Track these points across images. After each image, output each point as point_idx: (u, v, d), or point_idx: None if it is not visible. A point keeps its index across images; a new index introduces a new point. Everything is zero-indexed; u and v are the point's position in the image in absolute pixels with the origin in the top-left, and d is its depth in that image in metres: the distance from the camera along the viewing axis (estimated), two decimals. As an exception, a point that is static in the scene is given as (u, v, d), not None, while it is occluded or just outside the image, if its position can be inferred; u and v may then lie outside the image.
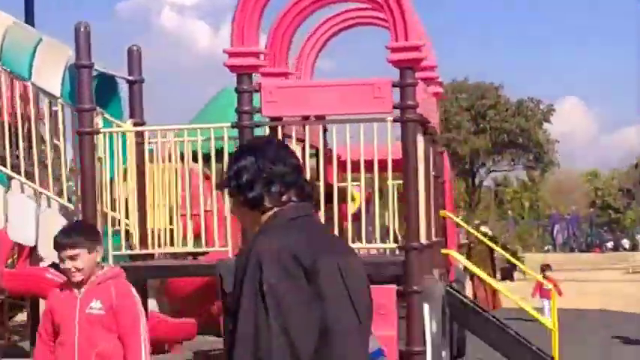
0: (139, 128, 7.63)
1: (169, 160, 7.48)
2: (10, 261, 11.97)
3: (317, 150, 7.54)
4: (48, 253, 7.69)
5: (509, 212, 52.08)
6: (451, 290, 9.92)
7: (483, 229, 16.05)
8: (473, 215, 41.10)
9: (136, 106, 8.43)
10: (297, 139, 7.36)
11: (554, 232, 52.02)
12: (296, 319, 2.89)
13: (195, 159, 7.39)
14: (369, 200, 8.90)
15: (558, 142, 53.02)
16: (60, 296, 4.74)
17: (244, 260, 3.01)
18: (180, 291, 11.31)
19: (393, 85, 6.83)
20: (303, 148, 7.02)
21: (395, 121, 6.87)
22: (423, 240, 7.71)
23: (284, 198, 3.05)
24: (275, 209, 3.05)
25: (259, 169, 3.05)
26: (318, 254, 2.92)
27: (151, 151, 7.65)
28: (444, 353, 7.59)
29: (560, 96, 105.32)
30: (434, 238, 8.54)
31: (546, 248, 49.98)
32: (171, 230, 7.55)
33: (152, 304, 14.20)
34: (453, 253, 10.61)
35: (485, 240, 13.61)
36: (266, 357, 2.88)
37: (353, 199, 7.54)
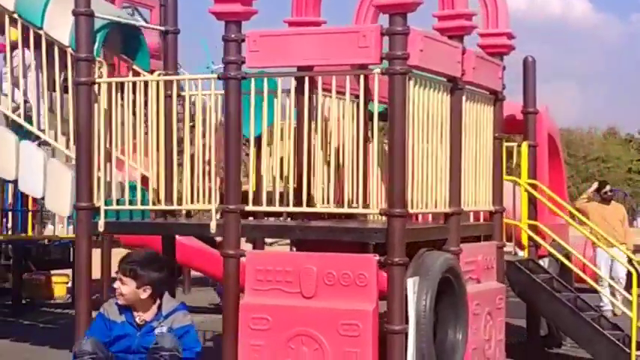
0: (126, 79, 7.29)
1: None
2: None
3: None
4: (54, 206, 7.58)
5: None
6: (520, 266, 9.08)
7: None
8: None
9: (169, 57, 8.15)
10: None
11: None
12: None
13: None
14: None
15: None
16: None
17: None
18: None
19: (382, 34, 6.14)
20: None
21: (382, 73, 6.18)
22: (442, 207, 6.98)
23: None
24: None
25: None
26: None
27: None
28: (459, 336, 6.82)
29: None
30: (475, 207, 7.73)
31: None
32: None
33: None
34: (542, 227, 9.63)
35: None
36: None
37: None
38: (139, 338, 5.61)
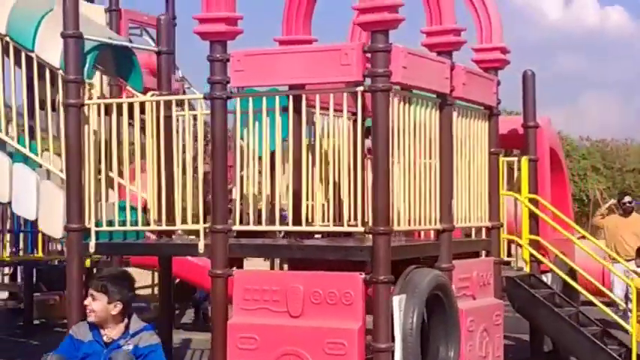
0: (106, 100, 7.32)
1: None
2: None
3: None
4: (47, 228, 7.59)
5: None
6: (519, 282, 9.02)
7: None
8: None
9: (163, 78, 8.16)
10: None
11: None
12: None
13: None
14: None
15: None
16: None
17: None
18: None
19: (364, 51, 6.13)
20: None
21: (365, 91, 6.16)
22: (434, 224, 6.94)
23: None
24: None
25: None
26: None
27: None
28: (451, 353, 6.76)
29: None
30: (470, 223, 7.68)
31: None
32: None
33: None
34: (544, 243, 9.53)
35: None
36: None
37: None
38: (105, 355, 5.67)
